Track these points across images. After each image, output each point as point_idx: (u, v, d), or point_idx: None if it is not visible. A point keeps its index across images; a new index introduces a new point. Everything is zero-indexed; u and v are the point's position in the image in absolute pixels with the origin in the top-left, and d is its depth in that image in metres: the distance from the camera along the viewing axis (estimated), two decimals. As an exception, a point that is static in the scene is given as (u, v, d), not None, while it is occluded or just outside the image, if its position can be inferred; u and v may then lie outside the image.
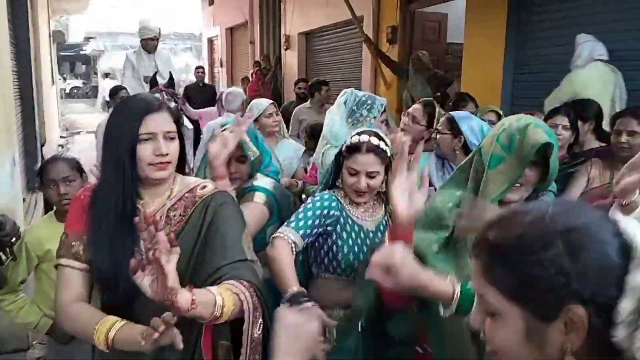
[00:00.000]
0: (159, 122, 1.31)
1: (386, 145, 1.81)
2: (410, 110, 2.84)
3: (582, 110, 2.91)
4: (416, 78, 5.52)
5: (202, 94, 7.23)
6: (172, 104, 5.03)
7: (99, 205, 1.34)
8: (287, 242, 1.69)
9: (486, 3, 4.73)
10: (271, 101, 3.31)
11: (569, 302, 0.65)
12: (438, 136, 2.51)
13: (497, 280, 0.72)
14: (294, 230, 1.71)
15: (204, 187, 1.44)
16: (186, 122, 5.61)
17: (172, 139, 1.34)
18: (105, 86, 20.28)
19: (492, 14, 4.65)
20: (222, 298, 1.18)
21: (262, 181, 2.01)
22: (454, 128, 2.41)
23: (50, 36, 10.37)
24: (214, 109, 6.08)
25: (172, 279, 1.04)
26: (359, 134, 1.83)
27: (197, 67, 7.95)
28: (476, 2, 4.89)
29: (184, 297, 1.07)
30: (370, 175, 1.77)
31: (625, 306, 0.64)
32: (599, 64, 3.50)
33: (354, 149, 1.78)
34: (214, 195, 1.42)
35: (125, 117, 1.33)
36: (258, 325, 1.26)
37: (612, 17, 3.76)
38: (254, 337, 1.25)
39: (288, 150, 3.25)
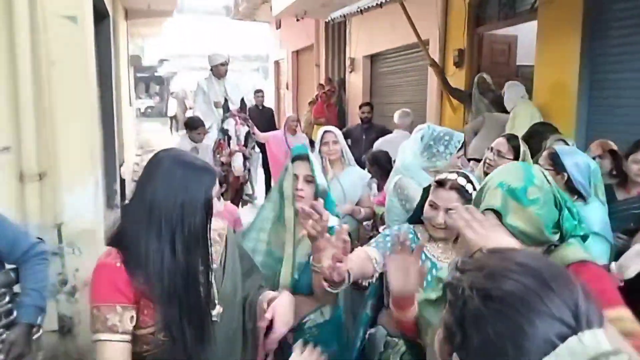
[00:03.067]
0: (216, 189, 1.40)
1: (474, 189, 1.81)
2: (494, 144, 2.77)
3: None
4: (480, 100, 5.43)
5: (262, 116, 7.54)
6: (245, 129, 5.24)
7: (153, 273, 1.32)
8: (366, 253, 1.74)
9: (559, 26, 4.58)
10: (327, 129, 3.33)
11: (455, 351, 0.67)
12: None
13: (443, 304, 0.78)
14: (374, 248, 1.78)
15: (215, 220, 1.54)
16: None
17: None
18: (170, 105, 21.36)
19: (565, 37, 4.50)
20: None
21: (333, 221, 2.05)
22: (557, 164, 2.30)
23: (128, 60, 11.05)
24: (280, 132, 6.24)
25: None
26: (451, 172, 1.88)
27: (257, 91, 8.23)
28: (548, 25, 4.75)
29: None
30: (449, 212, 1.77)
31: None
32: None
33: (439, 184, 1.83)
34: (229, 229, 1.61)
35: (194, 186, 1.34)
36: None
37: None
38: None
39: (353, 177, 3.27)
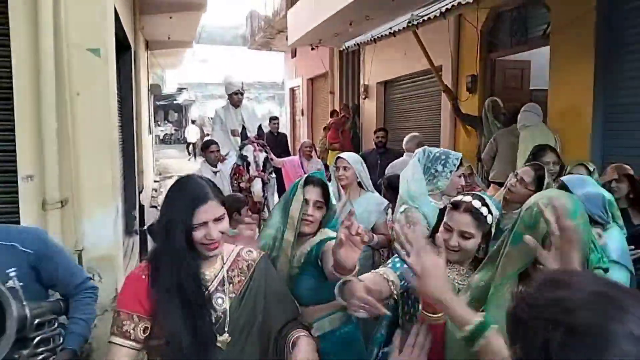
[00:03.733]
0: (209, 212, 1.45)
1: (489, 212, 1.81)
2: (519, 172, 2.74)
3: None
4: (494, 124, 5.46)
5: (276, 142, 7.66)
6: (263, 154, 5.33)
7: (164, 285, 1.44)
8: (384, 277, 1.73)
9: (572, 51, 4.62)
10: (340, 155, 3.39)
11: None
12: None
13: (509, 330, 0.77)
14: (391, 270, 1.78)
15: (250, 251, 1.65)
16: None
17: (220, 220, 1.48)
18: (189, 131, 21.74)
19: (578, 62, 4.53)
20: None
21: (328, 233, 2.08)
22: None
23: (148, 89, 11.32)
24: (296, 158, 6.32)
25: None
26: (465, 194, 1.88)
27: (272, 118, 8.40)
28: (561, 50, 4.79)
29: None
30: (463, 235, 1.78)
31: None
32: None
33: (453, 206, 1.83)
34: (262, 258, 1.64)
35: (179, 209, 1.46)
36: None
37: None
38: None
39: (368, 204, 3.28)
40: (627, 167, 3.01)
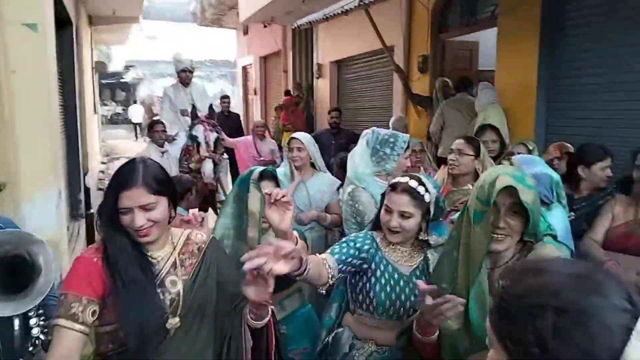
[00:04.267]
0: (132, 199, 1.41)
1: (426, 191, 1.84)
2: (454, 146, 2.84)
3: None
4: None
5: (228, 122, 7.49)
6: (214, 135, 5.22)
7: (117, 264, 1.43)
8: (323, 263, 1.74)
9: (518, 33, 4.74)
10: (294, 135, 3.35)
11: None
12: None
13: (493, 322, 0.77)
14: (330, 255, 1.79)
15: (199, 234, 1.65)
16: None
17: (150, 209, 1.43)
18: (132, 111, 21.12)
19: (524, 43, 4.65)
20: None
21: None
22: None
23: (93, 67, 10.85)
24: (249, 138, 6.24)
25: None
26: (403, 175, 1.91)
27: (223, 97, 8.22)
28: (508, 32, 4.90)
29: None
30: (402, 215, 1.81)
31: None
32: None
33: (391, 188, 1.86)
34: (212, 241, 1.66)
35: (107, 193, 1.45)
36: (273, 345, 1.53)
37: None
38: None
39: (321, 184, 3.27)
40: (569, 145, 3.14)
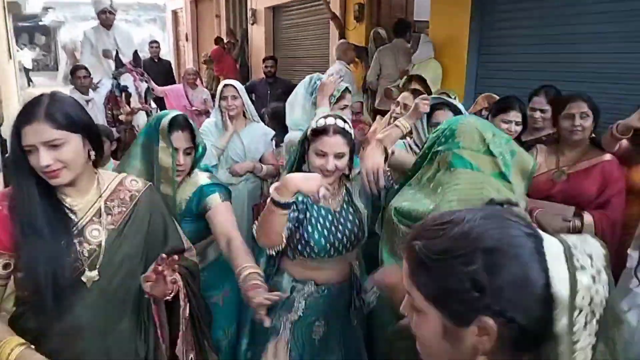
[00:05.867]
0: (35, 134, 1.28)
1: (350, 127, 1.89)
2: (400, 99, 2.82)
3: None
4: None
5: (158, 69, 7.09)
6: (144, 84, 4.94)
7: (24, 212, 1.32)
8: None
9: (452, -18, 4.74)
10: (227, 82, 3.19)
11: (482, 313, 0.72)
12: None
13: (420, 285, 0.79)
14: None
15: (134, 180, 1.54)
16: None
17: (56, 146, 1.30)
18: (65, 58, 19.65)
19: (458, -7, 4.66)
20: None
21: (202, 177, 2.03)
22: None
23: (5, 7, 9.89)
24: (179, 86, 5.98)
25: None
26: (325, 117, 1.88)
27: (151, 42, 7.75)
28: (442, -19, 4.90)
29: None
30: (338, 156, 1.83)
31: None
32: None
33: (321, 131, 1.84)
34: (148, 189, 1.54)
35: (13, 129, 1.31)
36: (187, 307, 1.49)
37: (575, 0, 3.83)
38: (185, 316, 1.48)
39: (255, 134, 3.21)
40: (496, 96, 3.23)
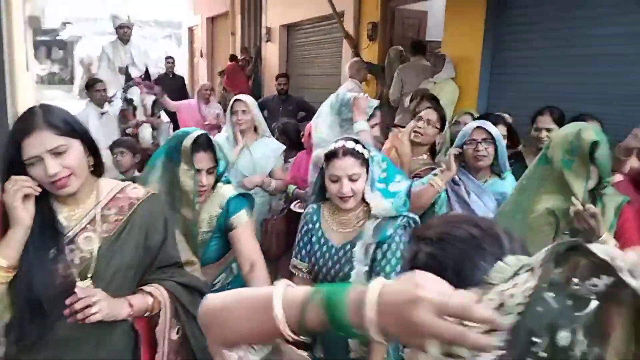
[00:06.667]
0: (39, 144, 1.25)
1: (364, 147, 1.82)
2: (423, 114, 2.82)
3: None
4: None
5: (172, 84, 7.14)
6: (152, 97, 4.97)
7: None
8: (303, 278, 1.88)
9: (465, 3, 4.76)
10: (238, 97, 3.22)
11: None
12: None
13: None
14: (297, 260, 1.92)
15: (135, 188, 1.49)
16: (163, 114, 5.56)
17: (61, 153, 1.27)
18: (82, 71, 19.94)
19: (471, 13, 4.68)
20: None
21: (228, 189, 2.02)
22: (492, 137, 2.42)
23: (25, 21, 10.11)
24: (193, 101, 6.03)
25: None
26: (335, 141, 1.86)
27: (167, 58, 7.84)
28: (455, 1, 4.92)
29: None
30: (352, 178, 1.77)
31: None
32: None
33: (331, 156, 1.80)
34: (149, 198, 1.47)
35: (9, 144, 1.28)
36: (176, 329, 1.42)
37: (588, 22, 3.83)
38: (171, 339, 1.43)
39: (265, 149, 3.22)
40: (507, 115, 3.21)
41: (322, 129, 2.69)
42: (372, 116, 2.70)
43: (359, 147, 1.81)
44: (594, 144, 1.74)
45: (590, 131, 1.78)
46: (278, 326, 0.69)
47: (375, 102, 2.74)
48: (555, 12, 4.05)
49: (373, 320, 0.61)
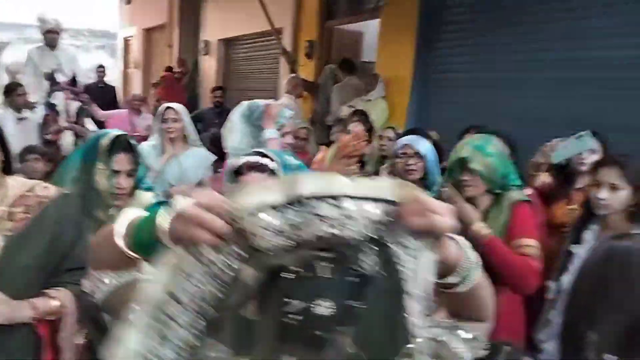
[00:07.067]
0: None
1: (270, 160, 1.64)
2: (351, 127, 2.91)
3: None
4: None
5: (102, 94, 6.88)
6: (76, 103, 4.76)
7: None
8: None
9: (398, 25, 4.93)
10: (169, 105, 3.18)
11: None
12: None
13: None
14: None
15: (46, 187, 1.44)
16: (90, 124, 5.35)
17: None
18: (7, 79, 18.87)
19: (403, 36, 4.85)
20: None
21: (146, 197, 1.94)
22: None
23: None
24: (124, 111, 5.84)
25: None
26: (241, 158, 1.71)
27: (98, 66, 7.59)
28: (389, 23, 5.09)
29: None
30: None
31: None
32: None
33: (237, 173, 1.65)
34: (60, 198, 1.43)
35: None
36: (81, 334, 1.42)
37: (512, 47, 4.05)
38: (76, 343, 1.41)
39: (195, 158, 3.17)
40: (433, 132, 3.35)
41: (235, 138, 2.68)
42: (283, 126, 2.71)
43: (265, 160, 1.65)
44: (464, 159, 1.98)
45: (467, 147, 2.03)
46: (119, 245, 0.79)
47: (291, 113, 2.76)
48: (482, 37, 4.28)
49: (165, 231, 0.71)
